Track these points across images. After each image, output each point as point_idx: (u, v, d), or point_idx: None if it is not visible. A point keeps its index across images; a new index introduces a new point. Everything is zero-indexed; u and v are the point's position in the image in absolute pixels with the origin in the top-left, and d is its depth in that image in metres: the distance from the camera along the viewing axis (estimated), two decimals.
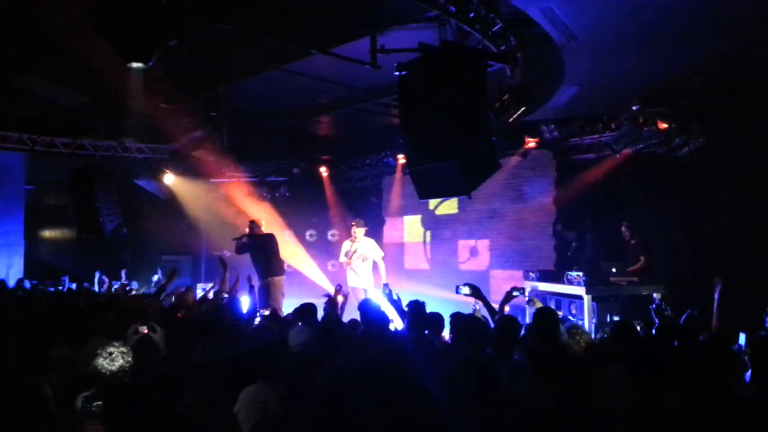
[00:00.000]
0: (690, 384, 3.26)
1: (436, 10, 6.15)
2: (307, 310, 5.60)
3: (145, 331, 4.10)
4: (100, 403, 3.13)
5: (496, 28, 6.57)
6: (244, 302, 6.80)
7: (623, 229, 8.95)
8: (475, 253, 12.05)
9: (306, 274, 12.92)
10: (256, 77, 8.76)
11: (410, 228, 13.48)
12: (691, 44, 6.92)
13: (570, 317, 7.68)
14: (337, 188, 14.18)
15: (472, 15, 6.32)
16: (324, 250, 13.85)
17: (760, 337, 4.18)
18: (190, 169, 12.98)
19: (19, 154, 11.72)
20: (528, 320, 6.35)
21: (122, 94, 8.28)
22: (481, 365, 3.14)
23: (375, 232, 11.36)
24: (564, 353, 3.94)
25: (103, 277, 11.01)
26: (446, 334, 5.08)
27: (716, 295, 5.69)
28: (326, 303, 6.32)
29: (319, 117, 11.13)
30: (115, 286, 10.43)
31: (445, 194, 5.61)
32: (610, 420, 2.89)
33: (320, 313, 5.90)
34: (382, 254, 9.52)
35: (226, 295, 7.21)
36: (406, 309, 5.19)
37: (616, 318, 7.37)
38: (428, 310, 5.07)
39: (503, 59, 6.85)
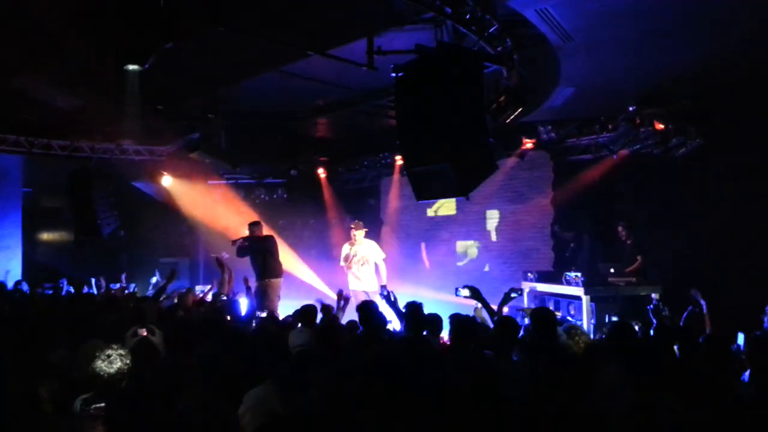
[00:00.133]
0: (689, 384, 3.27)
1: (432, 11, 6.15)
2: (307, 311, 5.61)
3: (144, 333, 4.08)
4: (98, 405, 3.12)
5: (493, 29, 6.58)
6: (243, 304, 6.78)
7: (619, 229, 8.97)
8: (473, 255, 12.06)
9: (303, 277, 12.90)
10: (254, 79, 8.76)
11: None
12: (686, 45, 6.94)
13: (569, 318, 7.69)
14: (334, 190, 14.16)
15: (468, 16, 6.32)
16: (322, 252, 13.82)
17: (759, 337, 4.20)
18: (187, 172, 12.96)
19: (17, 156, 11.68)
20: (527, 321, 6.35)
21: (119, 96, 8.27)
22: (479, 366, 3.14)
23: (373, 233, 11.33)
24: (563, 354, 3.94)
25: (101, 281, 10.98)
26: (446, 335, 5.08)
27: (702, 302, 5.69)
28: (323, 307, 6.29)
29: (316, 119, 11.13)
30: (114, 289, 10.40)
31: (442, 196, 5.61)
32: (609, 420, 2.90)
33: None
34: (383, 256, 9.41)
35: (224, 297, 7.21)
36: (403, 310, 5.19)
37: (614, 318, 7.38)
38: (427, 311, 5.08)
39: (500, 60, 6.86)
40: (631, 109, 8.80)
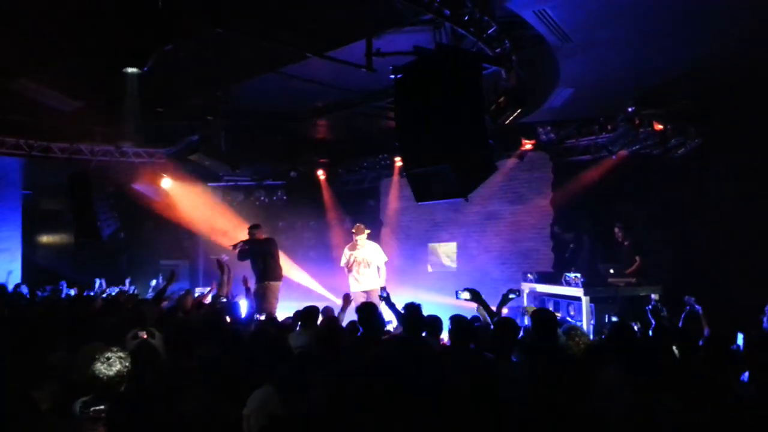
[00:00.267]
0: (689, 384, 3.27)
1: (430, 13, 6.16)
2: (308, 313, 5.60)
3: (144, 336, 4.08)
4: (97, 407, 3.12)
5: (491, 30, 6.59)
6: (243, 305, 6.78)
7: (616, 230, 8.95)
8: (472, 255, 12.05)
9: (302, 279, 12.89)
10: (253, 80, 8.77)
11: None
12: (686, 45, 6.95)
13: (568, 318, 7.70)
14: (334, 191, 14.17)
15: (466, 18, 6.33)
16: (322, 253, 13.81)
17: (758, 337, 4.20)
18: (187, 174, 12.96)
19: (17, 159, 11.69)
20: (526, 322, 6.35)
21: (119, 98, 8.27)
22: (479, 367, 3.15)
23: (373, 234, 11.33)
24: (562, 354, 3.94)
25: (102, 283, 10.98)
26: (446, 336, 5.08)
27: (697, 307, 5.66)
28: (324, 309, 6.28)
29: (315, 120, 11.14)
30: (115, 291, 10.40)
31: (442, 197, 5.61)
32: (608, 421, 2.90)
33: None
34: (386, 259, 9.34)
35: (223, 299, 7.20)
36: (402, 312, 5.19)
37: (614, 319, 7.38)
38: (426, 312, 5.07)
39: (498, 62, 6.87)
40: (630, 109, 8.80)
